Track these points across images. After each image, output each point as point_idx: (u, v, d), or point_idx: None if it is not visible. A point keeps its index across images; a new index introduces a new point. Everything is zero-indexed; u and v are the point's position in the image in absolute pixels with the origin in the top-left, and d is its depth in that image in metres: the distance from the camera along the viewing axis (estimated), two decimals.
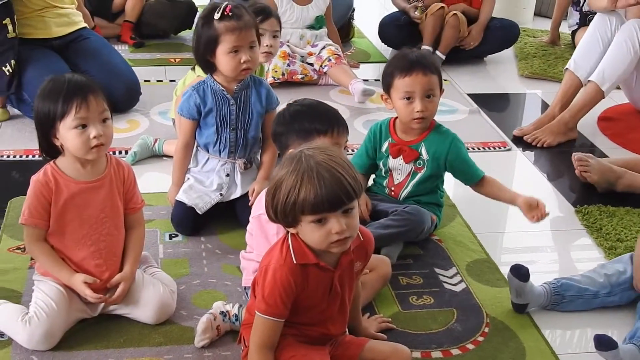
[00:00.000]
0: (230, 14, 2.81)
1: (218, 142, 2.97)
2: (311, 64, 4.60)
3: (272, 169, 3.04)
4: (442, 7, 4.92)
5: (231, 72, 2.86)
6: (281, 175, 1.92)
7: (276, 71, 4.47)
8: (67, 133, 2.25)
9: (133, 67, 4.29)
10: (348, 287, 2.12)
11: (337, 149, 2.11)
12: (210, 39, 2.83)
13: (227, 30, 2.80)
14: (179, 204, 2.97)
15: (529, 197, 2.84)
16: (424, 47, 4.90)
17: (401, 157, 2.94)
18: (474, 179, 2.96)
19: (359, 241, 2.10)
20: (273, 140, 2.53)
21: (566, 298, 2.59)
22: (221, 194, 2.99)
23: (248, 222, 2.88)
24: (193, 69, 3.50)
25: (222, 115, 2.93)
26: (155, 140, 3.58)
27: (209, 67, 2.90)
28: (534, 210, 2.81)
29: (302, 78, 4.56)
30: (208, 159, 3.02)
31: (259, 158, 3.10)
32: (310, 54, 4.64)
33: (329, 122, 2.39)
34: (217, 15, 2.81)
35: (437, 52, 4.97)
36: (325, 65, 4.55)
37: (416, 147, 2.93)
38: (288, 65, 4.51)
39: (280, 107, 2.55)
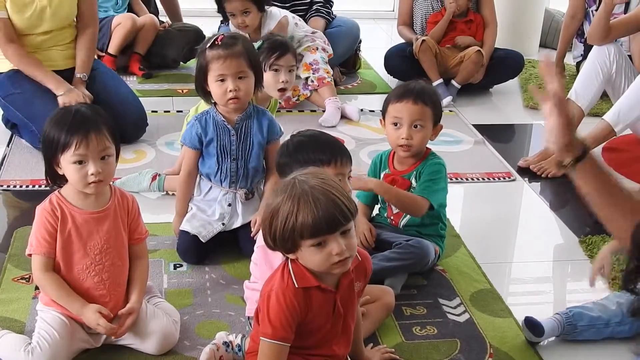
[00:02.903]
0: (220, 43, 2.84)
1: (219, 172, 2.98)
2: (299, 76, 4.64)
3: None
4: (424, 40, 4.93)
5: (219, 101, 2.90)
6: (277, 203, 1.94)
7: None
8: (67, 166, 2.28)
9: (141, 98, 4.32)
10: (350, 307, 2.13)
11: (328, 173, 2.12)
12: (201, 67, 2.88)
13: (214, 58, 2.84)
14: (183, 234, 2.99)
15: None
16: (435, 82, 4.91)
17: (394, 187, 2.96)
18: (422, 195, 2.89)
19: (358, 261, 2.11)
20: (277, 171, 2.54)
21: (578, 328, 2.58)
22: (223, 224, 3.01)
23: (251, 252, 2.89)
24: None
25: (223, 145, 2.95)
26: (154, 177, 3.54)
27: (207, 95, 2.93)
28: None
29: (296, 100, 4.63)
30: (211, 187, 3.03)
31: (262, 188, 3.11)
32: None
33: (332, 152, 2.41)
34: (208, 44, 2.86)
35: (453, 82, 5.00)
36: (309, 87, 4.66)
37: (408, 176, 2.95)
38: None
39: (284, 138, 2.57)
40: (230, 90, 2.85)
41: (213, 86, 2.88)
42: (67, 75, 4.00)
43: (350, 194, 2.15)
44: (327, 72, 4.72)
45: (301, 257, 1.99)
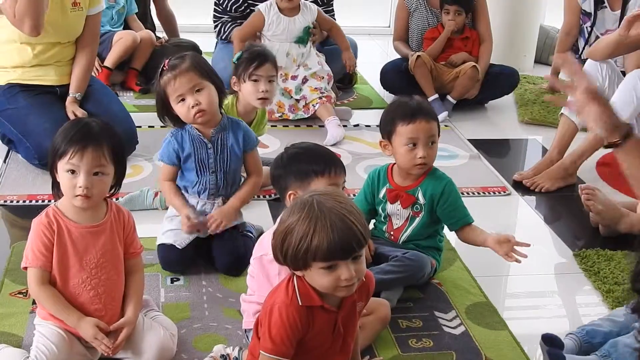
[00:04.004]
0: (167, 67, 2.88)
1: (198, 184, 3.00)
2: (291, 98, 4.68)
3: (245, 201, 3.08)
4: (419, 56, 4.96)
5: (187, 119, 2.92)
6: (292, 221, 1.93)
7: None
8: (61, 173, 2.31)
9: (138, 113, 4.34)
10: (351, 326, 2.14)
11: (343, 193, 2.13)
12: (159, 95, 2.92)
13: (166, 83, 2.87)
14: (161, 247, 3.02)
15: (499, 235, 2.80)
16: (431, 98, 4.93)
17: (399, 202, 2.97)
18: (459, 224, 2.95)
19: (362, 282, 2.11)
20: (272, 183, 2.56)
21: (594, 345, 2.54)
22: (198, 230, 3.02)
23: (224, 267, 2.97)
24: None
25: (201, 159, 2.97)
26: (157, 194, 3.55)
27: (177, 120, 2.95)
28: (504, 245, 2.77)
29: (279, 116, 4.66)
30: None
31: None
32: (289, 91, 4.70)
33: (325, 162, 2.43)
34: (159, 73, 2.90)
35: (449, 97, 5.03)
36: (315, 104, 4.64)
37: (413, 192, 2.95)
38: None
39: (279, 151, 2.59)
40: (192, 106, 2.87)
41: (177, 108, 2.90)
42: (61, 91, 4.02)
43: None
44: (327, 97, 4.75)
45: (308, 276, 1.99)
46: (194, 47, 5.37)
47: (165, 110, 2.94)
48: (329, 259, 1.92)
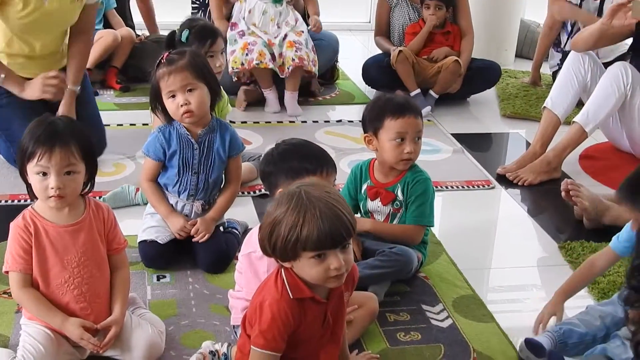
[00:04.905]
0: (165, 60, 2.88)
1: (179, 183, 2.99)
2: (272, 53, 4.78)
3: (224, 212, 3.09)
4: (401, 51, 4.97)
5: (175, 117, 2.91)
6: (280, 212, 1.93)
7: (235, 62, 4.72)
8: (32, 176, 2.28)
9: (119, 112, 4.31)
10: (339, 317, 2.14)
11: (330, 184, 2.13)
12: (153, 87, 2.92)
13: (161, 76, 2.87)
14: (142, 243, 3.01)
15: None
16: (413, 93, 4.94)
17: (379, 199, 2.98)
18: (414, 222, 2.96)
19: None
20: (262, 179, 2.55)
21: (569, 345, 2.57)
22: None
23: (206, 265, 2.96)
24: None
25: (185, 159, 2.96)
26: (138, 189, 3.54)
27: (167, 113, 2.94)
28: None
29: (257, 64, 4.72)
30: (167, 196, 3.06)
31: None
32: (272, 44, 4.80)
33: (317, 161, 2.42)
34: (156, 64, 2.90)
35: (431, 92, 5.04)
36: (289, 66, 4.76)
37: (392, 189, 2.96)
38: (247, 54, 4.72)
39: (269, 147, 2.57)
40: (181, 105, 2.86)
41: (167, 103, 2.90)
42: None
43: None
44: (313, 60, 4.87)
45: (297, 267, 1.99)
46: None
47: (157, 102, 2.93)
48: (319, 248, 1.92)
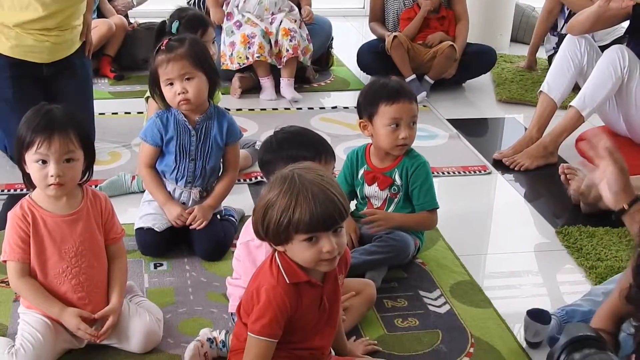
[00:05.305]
0: (164, 47, 2.87)
1: (176, 170, 2.99)
2: (269, 43, 4.82)
3: (222, 200, 3.08)
4: (396, 36, 4.95)
5: (171, 104, 2.91)
6: (273, 195, 1.93)
7: (240, 57, 4.76)
8: (30, 165, 2.27)
9: (114, 100, 4.29)
10: (335, 300, 2.15)
11: (322, 167, 2.13)
12: (152, 73, 2.92)
13: (159, 63, 2.87)
14: (139, 231, 3.00)
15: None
16: (409, 78, 4.93)
17: (376, 184, 2.97)
18: (424, 208, 2.97)
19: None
20: (260, 167, 2.54)
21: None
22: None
23: (203, 253, 2.95)
24: None
25: (182, 145, 2.96)
26: (134, 177, 3.54)
27: (164, 99, 2.94)
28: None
29: (258, 57, 4.75)
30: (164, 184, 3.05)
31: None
32: (270, 33, 4.84)
33: (316, 149, 2.41)
34: (156, 49, 2.90)
35: (426, 77, 5.02)
36: (284, 57, 4.81)
37: (389, 173, 2.96)
38: (249, 48, 4.75)
39: (267, 135, 2.56)
40: (179, 93, 2.86)
41: (164, 90, 2.90)
42: (48, 71, 3.78)
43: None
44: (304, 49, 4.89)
45: (290, 250, 1.99)
46: None
47: (155, 88, 2.93)
48: (311, 231, 1.92)
